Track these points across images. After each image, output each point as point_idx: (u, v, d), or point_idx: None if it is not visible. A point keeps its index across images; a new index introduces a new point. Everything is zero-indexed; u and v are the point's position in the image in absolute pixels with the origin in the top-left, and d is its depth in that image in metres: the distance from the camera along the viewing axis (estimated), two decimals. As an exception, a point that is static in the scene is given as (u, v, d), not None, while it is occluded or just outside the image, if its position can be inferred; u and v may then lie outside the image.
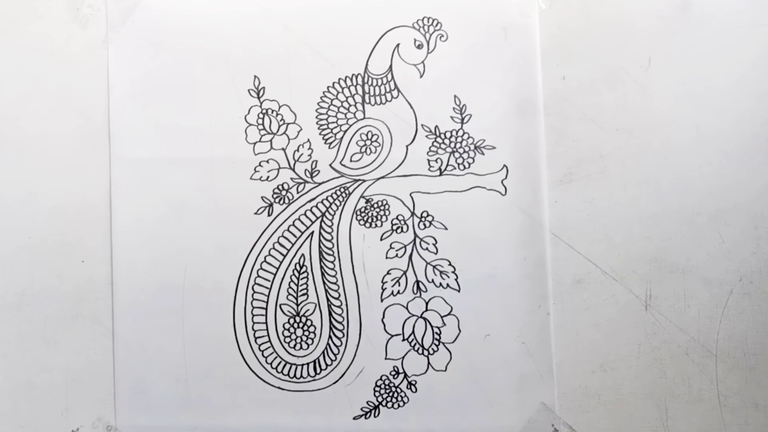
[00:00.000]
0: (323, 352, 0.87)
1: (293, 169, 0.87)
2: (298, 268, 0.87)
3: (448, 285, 0.86)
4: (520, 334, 0.85)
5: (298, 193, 0.87)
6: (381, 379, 0.86)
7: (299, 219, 0.87)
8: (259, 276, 0.86)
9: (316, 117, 0.87)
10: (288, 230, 0.87)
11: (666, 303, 0.85)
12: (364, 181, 0.86)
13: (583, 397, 0.85)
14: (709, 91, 0.85)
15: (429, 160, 0.86)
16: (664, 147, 0.85)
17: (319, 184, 0.87)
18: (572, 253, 0.86)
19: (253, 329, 0.86)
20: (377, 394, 0.86)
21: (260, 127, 0.87)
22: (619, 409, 0.85)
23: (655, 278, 0.85)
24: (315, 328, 0.87)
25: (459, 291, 0.85)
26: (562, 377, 0.85)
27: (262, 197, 0.87)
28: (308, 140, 0.87)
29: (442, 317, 0.86)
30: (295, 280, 0.87)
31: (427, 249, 0.86)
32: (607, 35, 0.86)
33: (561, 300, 0.85)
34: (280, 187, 0.87)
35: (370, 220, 0.86)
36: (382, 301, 0.86)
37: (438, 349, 0.86)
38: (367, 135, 0.86)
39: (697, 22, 0.85)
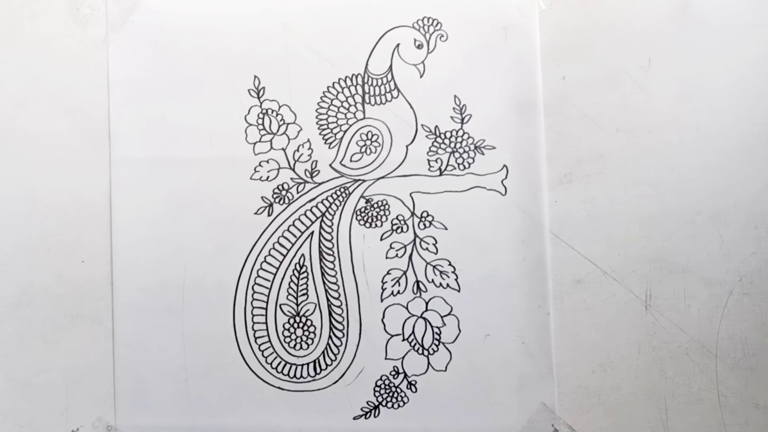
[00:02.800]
0: (323, 352, 0.86)
1: (293, 169, 0.87)
2: (298, 268, 0.87)
3: (448, 285, 0.86)
4: (520, 334, 0.85)
5: (298, 193, 0.87)
6: (381, 379, 0.86)
7: (299, 219, 0.87)
8: (259, 276, 0.86)
9: (316, 117, 0.87)
10: (288, 230, 0.87)
11: (666, 303, 0.85)
12: (364, 181, 0.86)
13: (583, 397, 0.85)
14: (709, 91, 0.85)
15: (429, 160, 0.86)
16: (664, 147, 0.85)
17: (319, 184, 0.87)
18: (572, 253, 0.86)
19: (253, 329, 0.86)
20: (377, 394, 0.86)
21: (260, 127, 0.87)
22: (619, 409, 0.85)
23: (655, 278, 0.85)
24: (315, 328, 0.87)
25: (459, 291, 0.85)
26: (562, 377, 0.85)
27: (262, 197, 0.87)
28: (308, 140, 0.87)
29: (442, 317, 0.86)
30: (295, 280, 0.87)
31: (427, 249, 0.86)
32: (607, 35, 0.86)
33: (561, 300, 0.85)
34: (280, 187, 0.87)
35: (370, 220, 0.86)
36: (382, 301, 0.86)
37: (438, 349, 0.86)
38: (366, 135, 0.86)
39: (697, 22, 0.85)
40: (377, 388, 0.86)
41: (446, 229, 0.86)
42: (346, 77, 0.87)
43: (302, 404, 0.86)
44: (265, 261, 0.86)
